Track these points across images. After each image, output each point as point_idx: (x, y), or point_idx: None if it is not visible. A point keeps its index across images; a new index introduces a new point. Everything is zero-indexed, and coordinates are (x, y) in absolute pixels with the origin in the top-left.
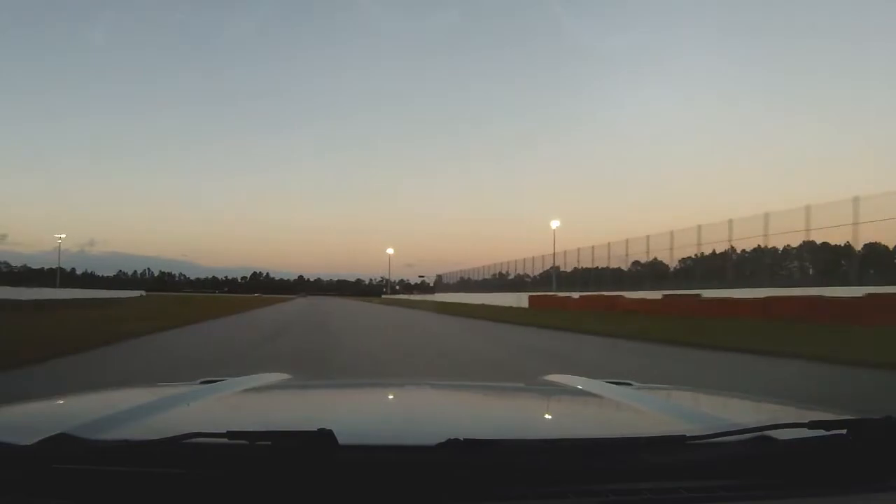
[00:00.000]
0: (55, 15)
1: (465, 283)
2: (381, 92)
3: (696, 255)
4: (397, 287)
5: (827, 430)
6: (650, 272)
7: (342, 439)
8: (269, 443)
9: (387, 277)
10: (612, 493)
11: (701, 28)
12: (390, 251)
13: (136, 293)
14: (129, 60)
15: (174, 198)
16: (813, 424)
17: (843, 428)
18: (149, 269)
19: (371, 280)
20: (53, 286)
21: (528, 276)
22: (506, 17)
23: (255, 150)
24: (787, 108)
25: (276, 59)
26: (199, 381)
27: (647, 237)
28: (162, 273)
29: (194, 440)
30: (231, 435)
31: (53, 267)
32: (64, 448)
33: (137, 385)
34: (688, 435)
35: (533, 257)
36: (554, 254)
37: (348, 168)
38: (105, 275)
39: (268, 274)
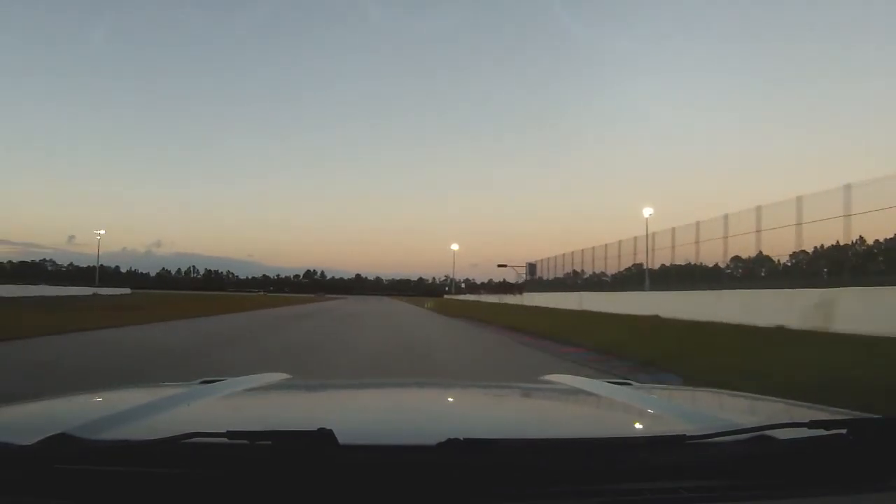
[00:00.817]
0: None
1: (589, 281)
2: (435, 91)
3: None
4: (463, 286)
5: (827, 429)
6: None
7: (342, 439)
8: (269, 443)
9: (451, 276)
10: (613, 493)
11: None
12: (455, 247)
13: (121, 290)
14: (194, 65)
15: (240, 199)
16: (813, 424)
17: (843, 428)
18: (193, 266)
19: (434, 278)
20: (97, 285)
21: (604, 274)
22: None
23: (320, 147)
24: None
25: (326, 56)
26: (198, 381)
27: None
28: (208, 271)
29: (194, 440)
30: (231, 435)
31: (117, 266)
32: (64, 448)
33: (137, 385)
34: (688, 435)
35: (610, 243)
36: (648, 247)
37: (412, 165)
38: (166, 273)
39: (322, 273)
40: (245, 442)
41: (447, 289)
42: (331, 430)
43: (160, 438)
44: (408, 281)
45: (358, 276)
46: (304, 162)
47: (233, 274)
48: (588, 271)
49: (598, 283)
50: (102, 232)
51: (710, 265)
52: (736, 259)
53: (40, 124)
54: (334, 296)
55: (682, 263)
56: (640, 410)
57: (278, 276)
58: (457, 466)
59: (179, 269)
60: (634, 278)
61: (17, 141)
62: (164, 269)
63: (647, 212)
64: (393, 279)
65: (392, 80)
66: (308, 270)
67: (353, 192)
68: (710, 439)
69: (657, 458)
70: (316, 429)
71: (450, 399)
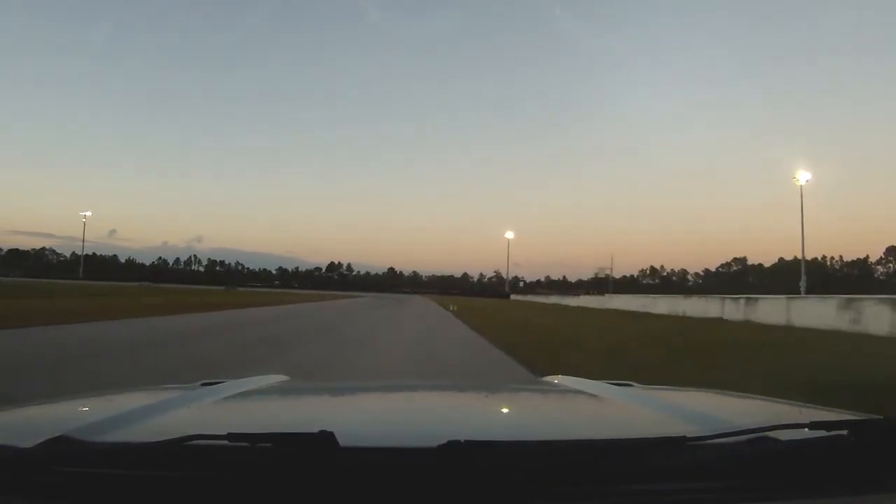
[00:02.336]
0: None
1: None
2: (485, 92)
3: None
4: (521, 285)
5: (828, 430)
6: None
7: (343, 441)
8: (270, 445)
9: (500, 272)
10: (614, 495)
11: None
12: (509, 235)
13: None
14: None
15: (276, 195)
16: (814, 425)
17: (844, 428)
18: (194, 255)
19: (482, 276)
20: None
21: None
22: None
23: (356, 143)
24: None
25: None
26: (199, 383)
27: None
28: (211, 261)
29: (195, 442)
30: (232, 437)
31: (154, 261)
32: (64, 450)
33: (138, 387)
34: (689, 436)
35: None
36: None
37: (446, 161)
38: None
39: (349, 265)
40: (246, 444)
41: (506, 288)
42: (331, 433)
43: (161, 441)
44: (451, 277)
45: (391, 270)
46: (342, 156)
47: (243, 266)
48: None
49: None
50: (89, 213)
51: None
52: None
53: (74, 118)
54: (354, 293)
55: None
56: (641, 411)
57: (297, 268)
58: (457, 468)
59: (178, 259)
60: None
61: (52, 136)
62: (160, 258)
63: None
64: (433, 275)
65: (444, 77)
66: (332, 263)
67: (395, 185)
68: (711, 440)
69: (658, 459)
70: (317, 431)
71: (450, 401)
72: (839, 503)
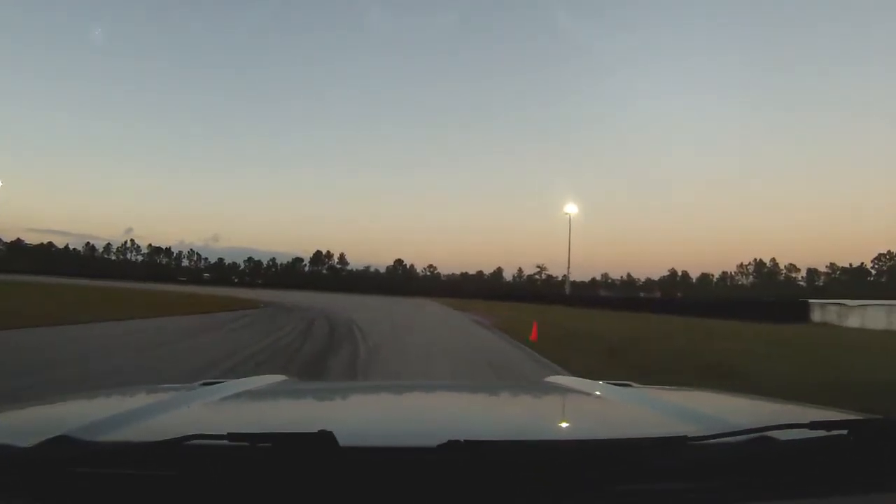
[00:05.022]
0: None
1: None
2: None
3: None
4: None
5: (828, 430)
6: None
7: (342, 441)
8: (270, 444)
9: (545, 268)
10: (613, 495)
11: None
12: (572, 209)
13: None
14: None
15: (297, 194)
16: (814, 425)
17: (844, 428)
18: (198, 254)
19: (519, 273)
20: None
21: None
22: None
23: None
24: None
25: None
26: (199, 382)
27: None
28: (221, 260)
29: (195, 442)
30: (231, 437)
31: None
32: (64, 450)
33: (138, 386)
34: (689, 435)
35: None
36: None
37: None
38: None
39: (342, 255)
40: (245, 444)
41: (567, 289)
42: (331, 432)
43: (161, 440)
44: (476, 276)
45: (398, 263)
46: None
47: (276, 261)
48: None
49: None
50: None
51: None
52: None
53: (91, 118)
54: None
55: None
56: (641, 411)
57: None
58: (457, 468)
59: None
60: None
61: (76, 135)
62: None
63: None
64: (454, 273)
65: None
66: (319, 253)
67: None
68: (710, 440)
69: (658, 459)
70: (316, 430)
71: (450, 400)
72: (839, 503)
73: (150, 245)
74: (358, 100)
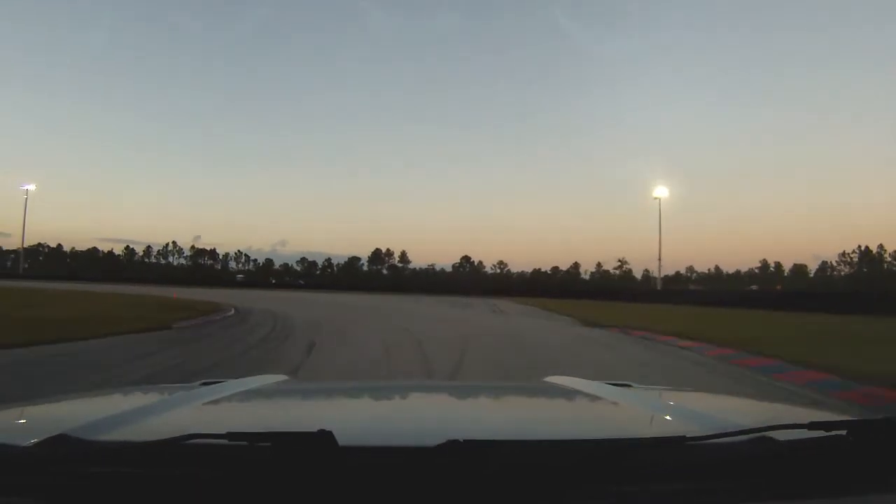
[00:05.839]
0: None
1: None
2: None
3: None
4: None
5: (827, 431)
6: None
7: (342, 440)
8: (269, 444)
9: (627, 261)
10: (613, 495)
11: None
12: (662, 192)
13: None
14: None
15: (355, 200)
16: (813, 425)
17: (843, 429)
18: (245, 254)
19: (598, 268)
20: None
21: None
22: None
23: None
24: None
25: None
26: (199, 382)
27: None
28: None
29: (194, 441)
30: (231, 436)
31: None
32: (63, 449)
33: (138, 386)
34: (688, 436)
35: None
36: None
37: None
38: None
39: (403, 254)
40: (245, 443)
41: (658, 284)
42: (331, 432)
43: (160, 440)
44: (551, 273)
45: (465, 260)
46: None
47: (332, 261)
48: None
49: None
50: (32, 187)
51: None
52: None
53: (153, 123)
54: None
55: None
56: (640, 411)
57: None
58: (457, 468)
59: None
60: None
61: (138, 144)
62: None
63: None
64: (505, 271)
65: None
66: (378, 251)
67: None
68: (710, 440)
69: (657, 459)
70: (316, 430)
71: (450, 400)
72: (839, 503)
73: (192, 247)
74: (422, 97)
